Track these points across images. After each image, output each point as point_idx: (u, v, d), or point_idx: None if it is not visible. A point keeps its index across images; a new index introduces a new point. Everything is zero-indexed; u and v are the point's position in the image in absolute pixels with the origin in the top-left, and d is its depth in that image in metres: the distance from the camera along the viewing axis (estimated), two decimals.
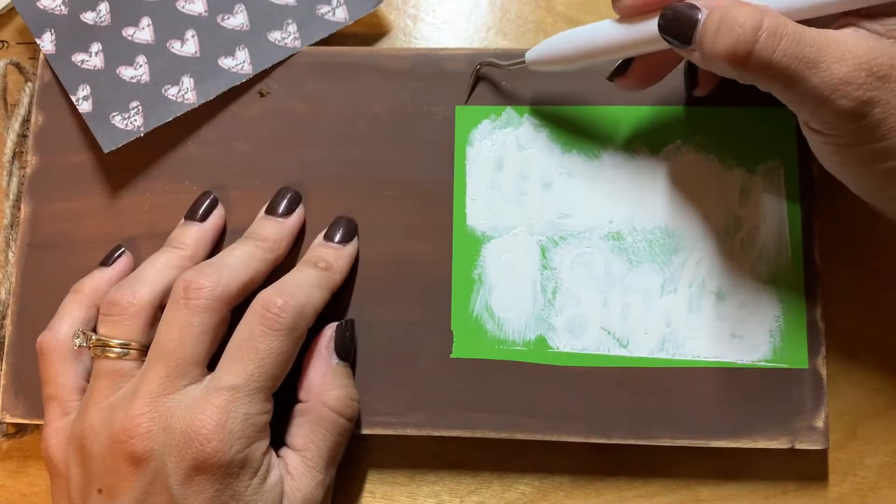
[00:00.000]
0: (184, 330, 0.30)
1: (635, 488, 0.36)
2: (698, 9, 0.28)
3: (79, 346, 0.33)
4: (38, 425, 0.37)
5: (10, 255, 0.38)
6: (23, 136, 0.39)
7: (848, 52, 0.26)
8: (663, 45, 0.30)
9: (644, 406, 0.34)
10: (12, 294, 0.37)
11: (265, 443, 0.31)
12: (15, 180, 0.39)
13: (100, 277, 0.35)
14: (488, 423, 0.34)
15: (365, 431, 0.35)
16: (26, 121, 0.39)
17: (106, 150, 0.37)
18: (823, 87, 0.26)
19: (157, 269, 0.33)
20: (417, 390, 0.35)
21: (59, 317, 0.34)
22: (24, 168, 0.38)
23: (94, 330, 0.33)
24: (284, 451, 0.32)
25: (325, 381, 0.33)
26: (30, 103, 0.39)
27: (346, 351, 0.34)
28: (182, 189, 0.37)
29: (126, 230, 0.37)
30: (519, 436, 0.34)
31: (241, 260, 0.33)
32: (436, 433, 0.34)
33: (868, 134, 0.27)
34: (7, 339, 0.37)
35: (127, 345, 0.32)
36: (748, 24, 0.27)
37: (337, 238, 0.35)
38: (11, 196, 0.38)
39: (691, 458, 0.36)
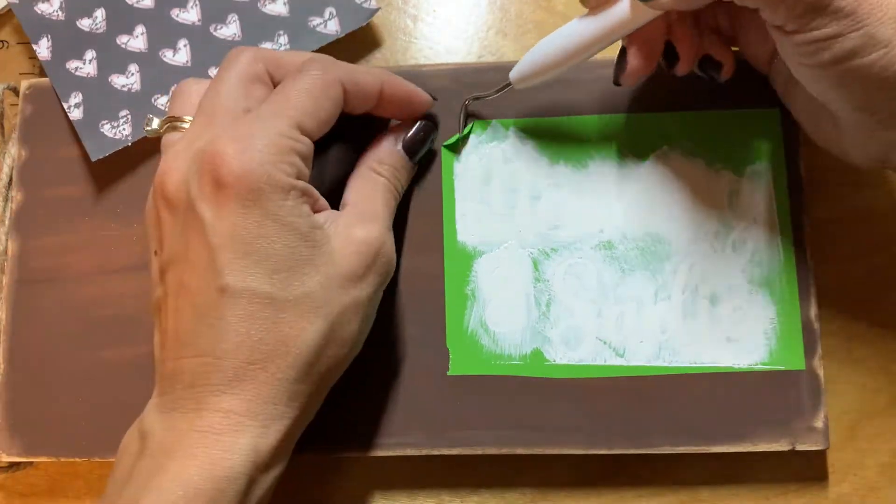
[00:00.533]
0: (217, 82, 0.31)
1: (635, 489, 0.36)
2: None
3: (149, 133, 0.33)
4: (31, 462, 0.37)
5: (4, 282, 0.38)
6: None
7: None
8: (637, 23, 0.31)
9: (643, 414, 0.34)
10: (3, 331, 0.37)
11: (298, 170, 0.29)
12: (11, 207, 0.38)
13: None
14: (488, 440, 0.34)
15: (363, 454, 0.34)
16: None
17: (94, 159, 0.37)
18: None
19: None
20: (415, 410, 0.35)
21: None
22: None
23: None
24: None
25: (378, 152, 0.34)
26: None
27: (413, 150, 0.35)
28: None
29: (115, 262, 0.37)
30: (520, 450, 0.34)
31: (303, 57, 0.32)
32: (435, 452, 0.34)
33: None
34: (0, 376, 0.36)
35: (189, 118, 0.32)
36: None
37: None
38: (7, 223, 0.38)
39: (691, 460, 0.36)
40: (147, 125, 0.33)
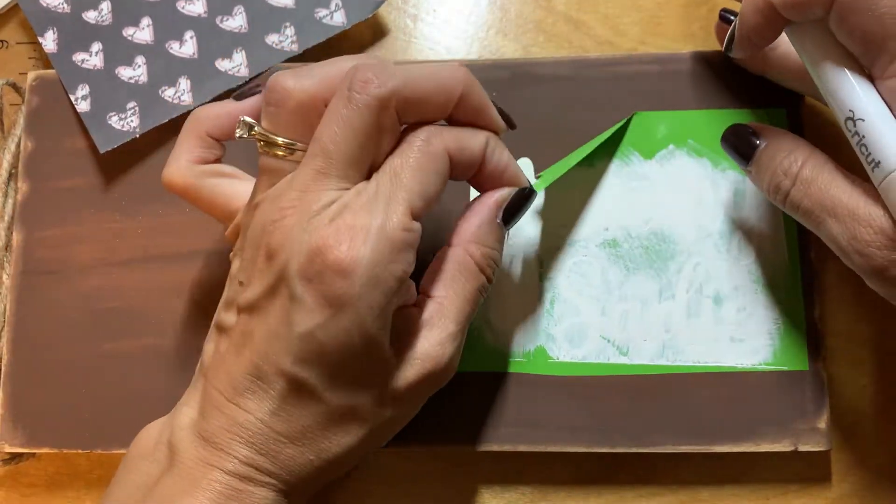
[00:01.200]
0: (341, 123, 0.27)
1: (636, 489, 0.36)
2: (758, 136, 0.31)
3: (239, 137, 0.29)
4: (34, 453, 0.37)
5: (5, 276, 0.38)
6: (18, 158, 0.39)
7: (871, 213, 0.27)
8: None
9: (646, 413, 0.34)
10: (7, 322, 0.37)
11: (409, 265, 0.27)
12: (10, 202, 0.38)
13: (244, 103, 0.33)
14: (490, 437, 0.34)
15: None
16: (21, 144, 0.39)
17: (102, 151, 0.37)
18: (841, 238, 0.28)
19: (332, 62, 0.29)
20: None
21: (175, 150, 0.32)
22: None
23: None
24: (418, 298, 0.30)
25: (479, 233, 0.30)
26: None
27: (512, 216, 0.31)
28: (175, 212, 0.37)
29: (119, 254, 0.37)
30: (522, 448, 0.34)
31: (427, 70, 0.28)
32: (437, 448, 0.34)
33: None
34: (4, 367, 0.36)
35: (293, 145, 0.28)
36: (791, 170, 0.30)
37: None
38: (6, 218, 0.38)
39: (692, 459, 0.36)
40: (240, 129, 0.29)
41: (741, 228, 0.35)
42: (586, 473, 0.36)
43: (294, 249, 0.26)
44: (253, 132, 0.29)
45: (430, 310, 0.29)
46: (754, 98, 0.36)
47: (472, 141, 0.29)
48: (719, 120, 0.36)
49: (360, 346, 0.27)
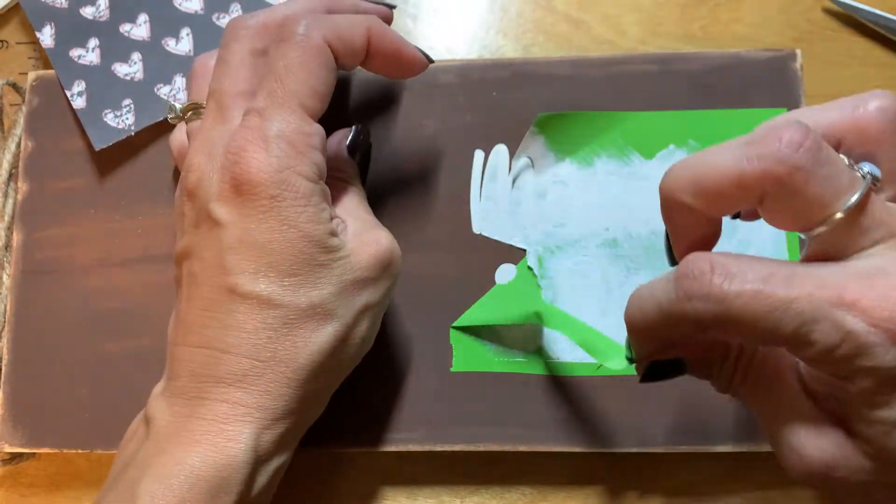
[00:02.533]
0: (221, 63, 0.30)
1: (636, 489, 0.36)
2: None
3: (172, 120, 0.32)
4: (34, 453, 0.37)
5: (5, 276, 0.38)
6: (18, 158, 0.39)
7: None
8: None
9: (646, 413, 0.34)
10: (7, 322, 0.37)
11: (318, 167, 0.29)
12: (10, 202, 0.38)
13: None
14: (490, 437, 0.34)
15: (365, 449, 0.34)
16: (21, 144, 0.39)
17: (97, 148, 0.37)
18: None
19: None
20: (418, 406, 0.35)
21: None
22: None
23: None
24: None
25: (337, 163, 0.33)
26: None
27: (355, 149, 0.33)
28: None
29: (119, 254, 0.37)
30: (522, 448, 0.34)
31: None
32: (437, 448, 0.34)
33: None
34: (4, 367, 0.36)
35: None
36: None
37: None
38: (6, 218, 0.38)
39: (691, 459, 0.36)
40: (170, 112, 0.32)
41: (741, 229, 0.35)
42: (586, 473, 0.36)
43: (206, 180, 0.28)
44: (181, 109, 0.32)
45: (353, 218, 0.31)
46: (754, 98, 0.36)
47: (352, 30, 0.30)
48: (719, 120, 0.36)
49: (299, 242, 0.28)
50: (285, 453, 0.29)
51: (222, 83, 0.30)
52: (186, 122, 0.32)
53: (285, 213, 0.27)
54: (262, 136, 0.28)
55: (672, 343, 0.25)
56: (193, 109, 0.32)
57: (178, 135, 0.34)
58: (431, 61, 0.33)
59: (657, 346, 0.25)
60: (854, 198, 0.22)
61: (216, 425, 0.27)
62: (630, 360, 0.27)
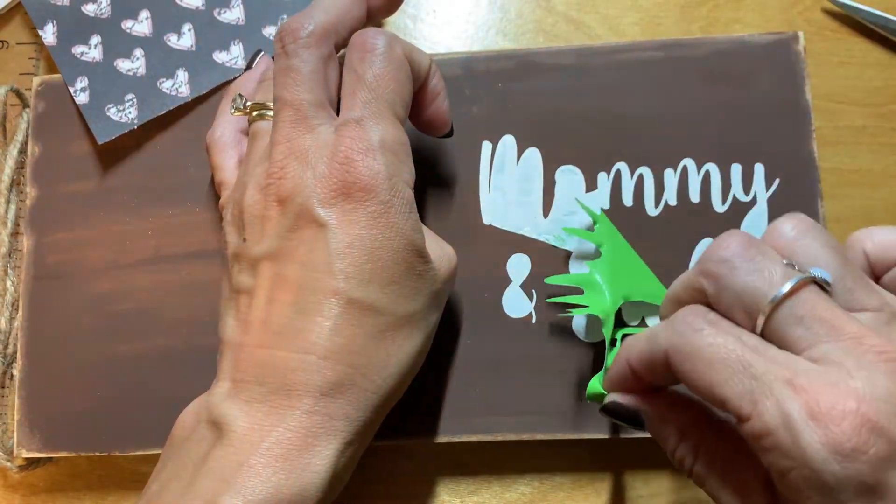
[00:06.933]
0: (291, 72, 0.29)
1: (635, 489, 0.36)
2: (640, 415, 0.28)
3: (234, 112, 0.33)
4: (51, 458, 0.37)
5: (9, 283, 0.37)
6: (21, 164, 0.38)
7: None
8: None
9: None
10: (20, 329, 0.37)
11: (413, 175, 0.30)
12: (13, 208, 0.38)
13: (245, 78, 0.35)
14: (507, 426, 0.34)
15: (383, 442, 0.34)
16: (24, 150, 0.38)
17: (101, 142, 0.37)
18: None
19: None
20: (434, 396, 0.35)
21: (217, 117, 0.35)
22: (23, 195, 0.38)
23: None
24: None
25: None
26: (27, 130, 0.38)
27: None
28: (185, 211, 0.37)
29: (131, 256, 0.37)
30: (540, 436, 0.34)
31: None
32: (455, 439, 0.34)
33: None
34: (18, 373, 0.36)
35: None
36: (684, 463, 0.26)
37: None
38: (9, 224, 0.38)
39: None
40: (234, 104, 0.32)
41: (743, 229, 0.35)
42: (587, 473, 0.36)
43: (307, 186, 0.28)
44: (247, 106, 0.32)
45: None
46: (760, 82, 0.36)
47: (421, 54, 0.31)
48: None
49: (404, 251, 0.28)
50: (350, 472, 0.29)
51: (298, 93, 0.29)
52: (249, 122, 0.32)
53: (394, 219, 0.28)
54: (368, 145, 0.28)
55: (641, 385, 0.27)
56: (259, 109, 0.31)
57: (222, 131, 0.34)
58: (451, 134, 0.34)
59: (627, 380, 0.27)
60: (786, 287, 0.23)
61: (303, 439, 0.26)
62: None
